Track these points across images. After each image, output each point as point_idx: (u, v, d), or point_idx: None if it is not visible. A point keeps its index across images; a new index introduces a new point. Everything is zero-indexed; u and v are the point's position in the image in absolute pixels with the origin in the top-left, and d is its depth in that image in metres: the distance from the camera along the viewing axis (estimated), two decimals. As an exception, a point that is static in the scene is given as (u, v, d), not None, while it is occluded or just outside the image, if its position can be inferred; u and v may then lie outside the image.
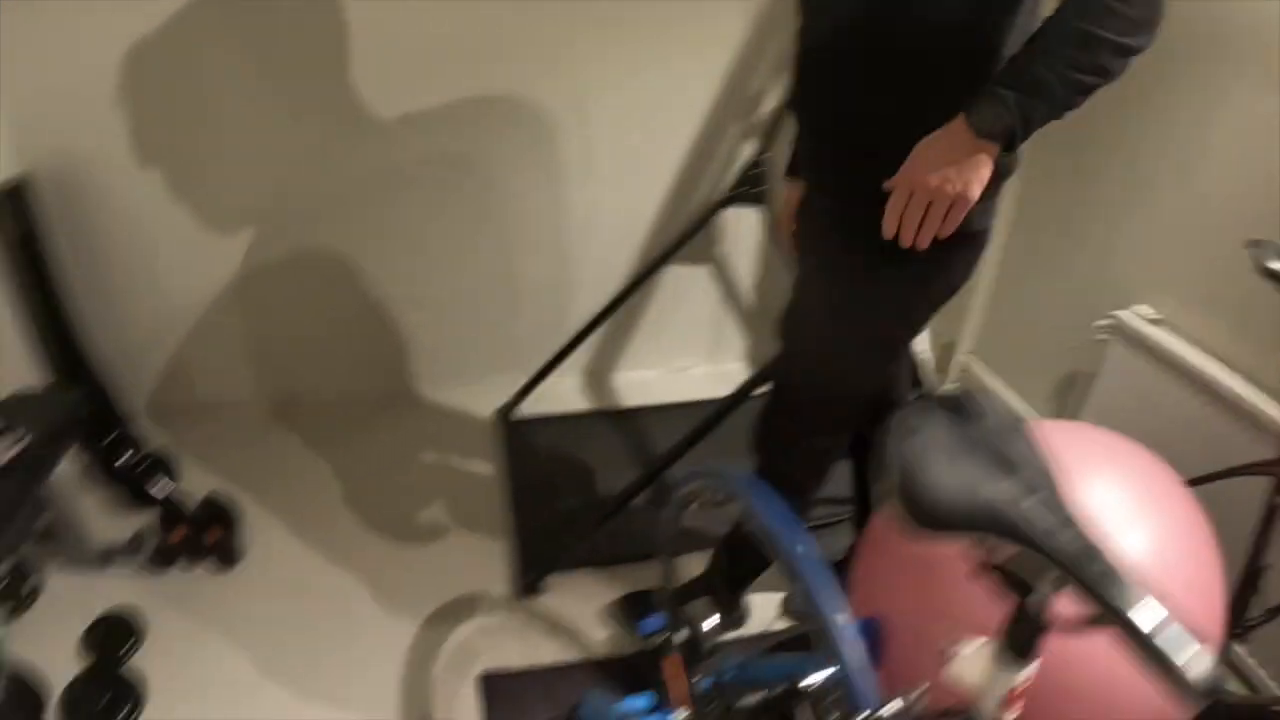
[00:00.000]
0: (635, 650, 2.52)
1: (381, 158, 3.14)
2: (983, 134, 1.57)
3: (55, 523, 2.68)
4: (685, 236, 3.27)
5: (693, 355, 3.84)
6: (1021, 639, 1.12)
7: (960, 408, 1.22)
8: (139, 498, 2.91)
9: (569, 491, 3.04)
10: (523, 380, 3.44)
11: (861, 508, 2.62)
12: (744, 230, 3.53)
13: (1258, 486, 2.04)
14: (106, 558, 2.78)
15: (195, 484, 3.00)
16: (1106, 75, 1.55)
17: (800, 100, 1.96)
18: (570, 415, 3.55)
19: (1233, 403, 2.33)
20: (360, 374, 3.62)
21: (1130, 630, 0.97)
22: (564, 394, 3.63)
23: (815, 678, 1.59)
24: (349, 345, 3.53)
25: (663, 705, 1.90)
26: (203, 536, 2.82)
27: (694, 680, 1.84)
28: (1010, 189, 3.14)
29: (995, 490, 1.09)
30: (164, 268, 3.24)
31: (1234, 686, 2.36)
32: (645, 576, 2.74)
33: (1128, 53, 1.53)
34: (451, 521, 3.00)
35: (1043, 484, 1.10)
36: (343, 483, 3.20)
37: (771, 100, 3.24)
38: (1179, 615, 0.97)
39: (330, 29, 2.85)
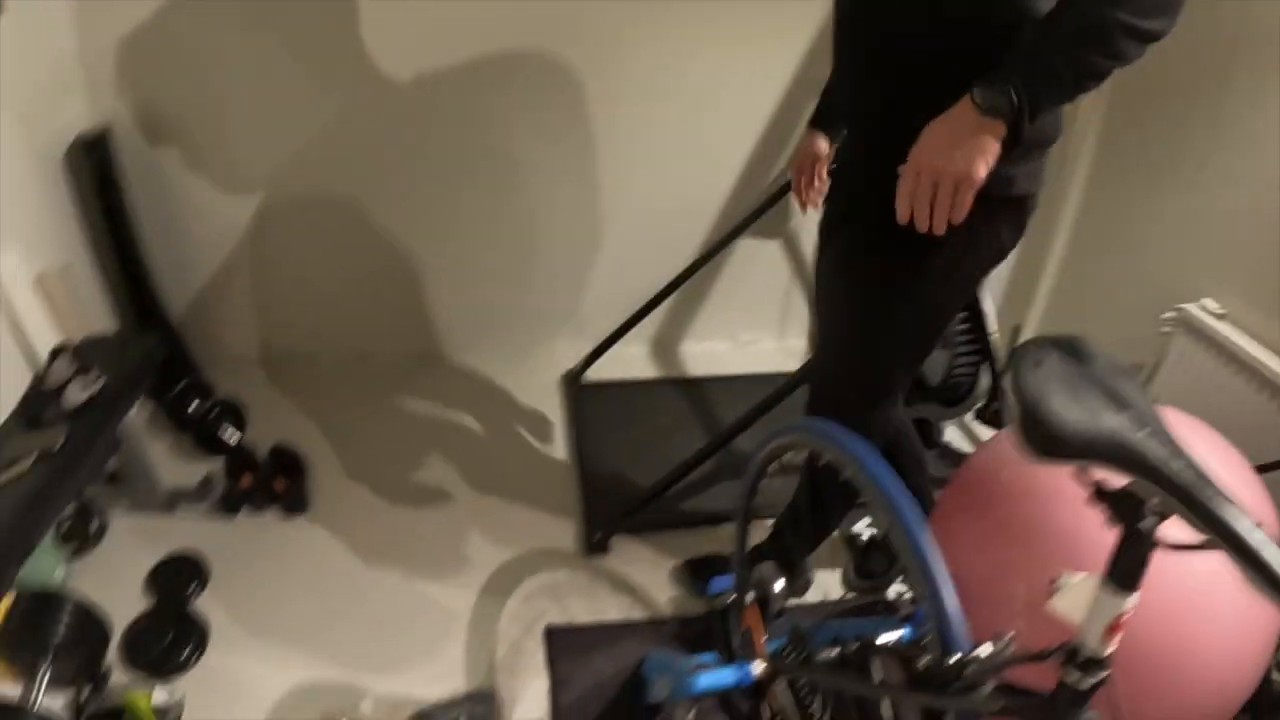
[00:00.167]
0: (704, 610, 2.51)
1: (466, 129, 3.15)
2: (987, 112, 1.51)
3: (125, 465, 2.69)
4: (756, 212, 3.26)
5: (760, 329, 3.83)
6: (1127, 567, 1.14)
7: (1074, 348, 1.24)
8: (207, 444, 2.93)
9: (634, 455, 3.04)
10: (591, 346, 3.45)
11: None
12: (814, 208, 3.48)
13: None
14: (174, 501, 2.80)
15: (261, 435, 3.01)
16: (1120, 58, 1.48)
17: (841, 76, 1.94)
18: (637, 382, 3.55)
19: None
20: (430, 334, 3.63)
21: (1241, 550, 0.98)
22: (631, 361, 3.63)
23: (890, 636, 1.61)
24: (420, 305, 3.54)
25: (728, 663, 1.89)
26: (271, 484, 2.83)
27: (762, 641, 1.85)
28: (1080, 178, 3.13)
29: (1114, 422, 1.11)
30: (234, 223, 3.26)
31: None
32: (709, 541, 2.74)
33: (1145, 37, 1.46)
34: (518, 480, 3.00)
35: (1151, 419, 1.12)
36: (410, 438, 3.21)
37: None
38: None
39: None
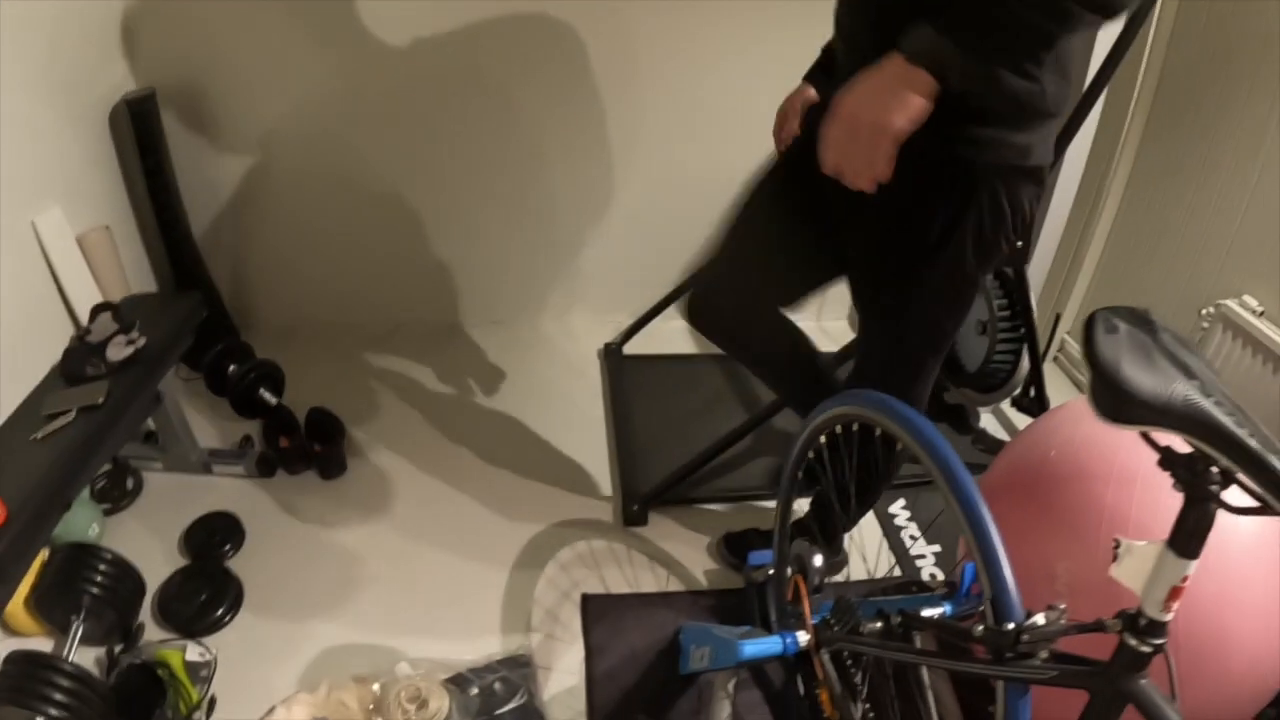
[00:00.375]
0: (739, 584, 2.51)
1: (504, 105, 3.15)
2: (912, 59, 1.44)
3: (162, 424, 2.70)
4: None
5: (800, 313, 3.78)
6: (1191, 532, 1.16)
7: (1142, 319, 1.24)
8: (245, 407, 2.94)
9: (672, 428, 3.04)
10: (630, 320, 3.47)
11: None
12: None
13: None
14: (210, 461, 2.80)
15: (298, 400, 3.01)
16: (1068, 25, 1.39)
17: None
18: (675, 356, 3.55)
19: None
20: (466, 305, 3.65)
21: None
22: (670, 336, 3.60)
23: (932, 610, 1.61)
24: (455, 277, 3.55)
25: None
26: (308, 447, 2.84)
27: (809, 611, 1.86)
28: (1123, 171, 3.11)
29: (1184, 388, 1.12)
30: (273, 191, 3.28)
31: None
32: (745, 516, 2.74)
33: (1099, 9, 1.37)
34: (557, 450, 3.00)
35: (1217, 389, 1.13)
36: (447, 407, 3.22)
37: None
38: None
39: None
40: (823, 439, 1.90)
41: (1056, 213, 2.71)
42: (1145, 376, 1.14)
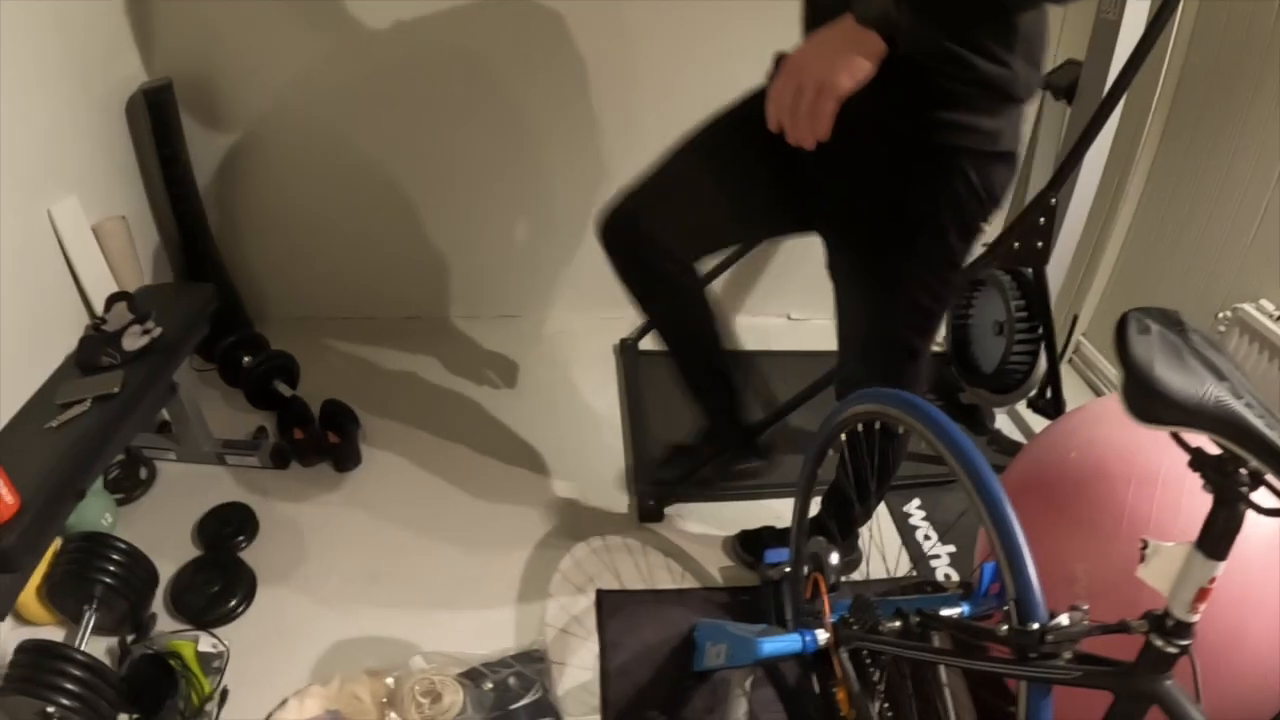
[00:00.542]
0: (754, 581, 2.51)
1: (524, 100, 3.14)
2: (862, 21, 1.46)
3: (176, 415, 2.70)
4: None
5: (812, 308, 3.81)
6: (1220, 533, 1.15)
7: (1173, 320, 1.24)
8: (259, 398, 2.94)
9: (688, 424, 3.03)
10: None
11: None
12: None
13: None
14: (224, 452, 2.80)
15: (312, 392, 3.01)
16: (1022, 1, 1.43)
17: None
18: (691, 353, 3.51)
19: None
20: (481, 298, 3.64)
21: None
22: (685, 332, 3.59)
23: (950, 610, 1.60)
24: (471, 269, 3.54)
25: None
26: (323, 438, 2.83)
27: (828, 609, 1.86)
28: (1140, 172, 3.09)
29: (1216, 389, 1.12)
30: (287, 183, 3.28)
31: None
32: (760, 513, 2.73)
33: None
34: (572, 444, 2.99)
35: (1247, 390, 1.13)
36: (462, 400, 3.21)
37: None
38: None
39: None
40: (843, 436, 1.89)
41: (1075, 214, 2.69)
42: (1177, 377, 1.13)
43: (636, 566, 2.55)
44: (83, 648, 2.05)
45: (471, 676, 2.16)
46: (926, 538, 2.71)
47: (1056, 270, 2.76)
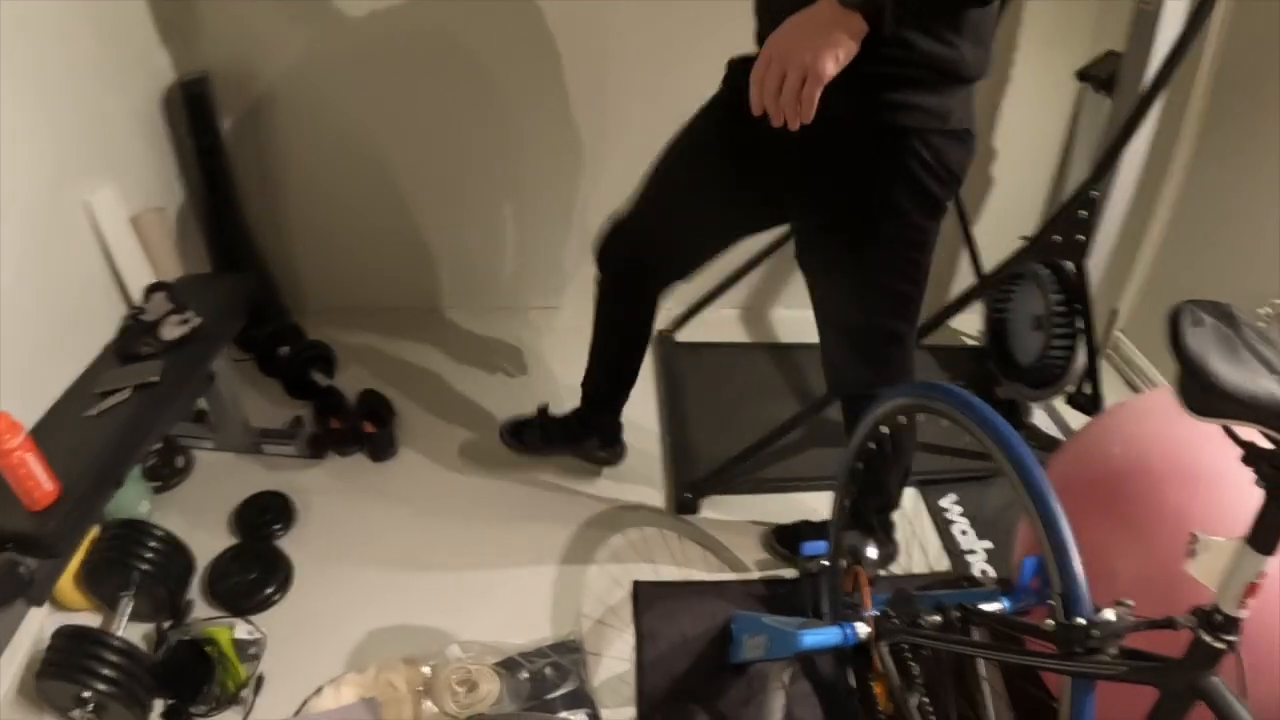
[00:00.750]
0: (791, 574, 2.51)
1: (562, 97, 3.14)
2: (845, 3, 1.46)
3: (214, 404, 2.71)
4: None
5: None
6: (1271, 528, 1.14)
7: (1225, 313, 1.23)
8: (296, 388, 2.96)
9: (724, 416, 3.03)
10: (682, 308, 3.46)
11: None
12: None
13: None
14: (261, 441, 2.81)
15: (347, 382, 3.03)
16: None
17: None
18: (727, 345, 3.54)
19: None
20: (518, 290, 3.64)
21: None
22: (722, 324, 3.61)
23: (990, 606, 1.59)
24: (507, 261, 3.54)
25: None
26: (359, 428, 2.84)
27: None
28: (1180, 164, 3.06)
29: (1270, 384, 1.11)
30: (324, 174, 3.28)
31: None
32: (797, 506, 2.72)
33: None
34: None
35: None
36: (500, 390, 3.21)
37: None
38: None
39: None
40: (884, 429, 1.87)
41: (1115, 207, 2.67)
42: (1232, 371, 1.13)
43: (673, 558, 2.55)
44: (119, 634, 2.06)
45: (508, 666, 2.16)
46: (964, 533, 2.69)
47: (1096, 264, 2.74)
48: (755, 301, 3.76)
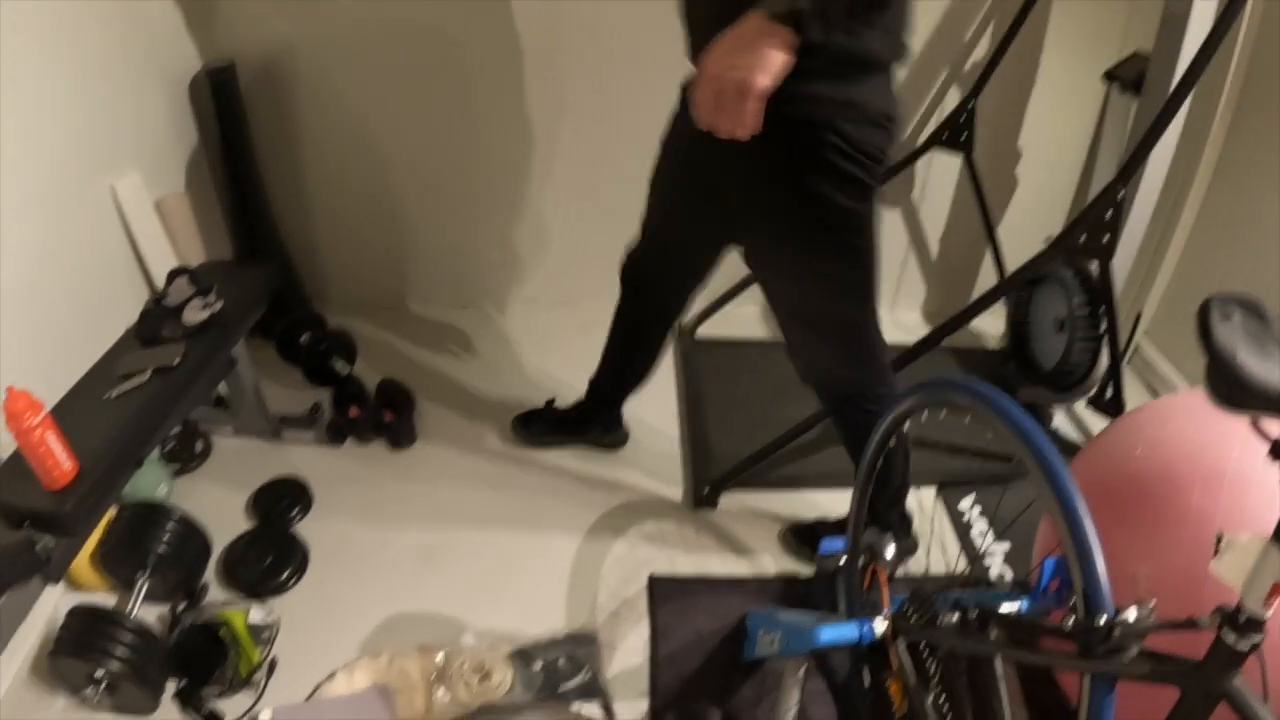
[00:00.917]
0: (807, 572, 2.50)
1: (592, 92, 3.13)
2: (772, 17, 1.48)
3: (234, 389, 2.71)
4: (882, 178, 3.20)
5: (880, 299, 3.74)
6: None
7: (1254, 308, 1.23)
8: (316, 375, 2.97)
9: (743, 413, 3.03)
10: (704, 304, 3.48)
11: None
12: (940, 177, 3.45)
13: None
14: (280, 427, 2.82)
15: (366, 371, 3.04)
16: None
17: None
18: (748, 341, 3.52)
19: None
20: (537, 282, 3.63)
21: None
22: (743, 320, 3.60)
23: (1009, 606, 1.58)
24: (527, 253, 3.53)
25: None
26: (379, 416, 2.85)
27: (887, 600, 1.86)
28: (1206, 167, 3.04)
29: None
30: (347, 165, 3.28)
31: None
32: (817, 504, 2.72)
33: None
34: (629, 429, 2.96)
35: None
36: (519, 382, 3.21)
37: (983, 47, 3.15)
38: None
39: None
40: (906, 426, 1.86)
41: (1142, 208, 2.64)
42: (1260, 364, 1.12)
43: (689, 553, 2.54)
44: (134, 615, 2.07)
45: (521, 656, 2.16)
46: (982, 535, 2.68)
47: (1121, 266, 2.71)
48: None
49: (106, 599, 2.25)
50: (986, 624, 1.61)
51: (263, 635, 2.19)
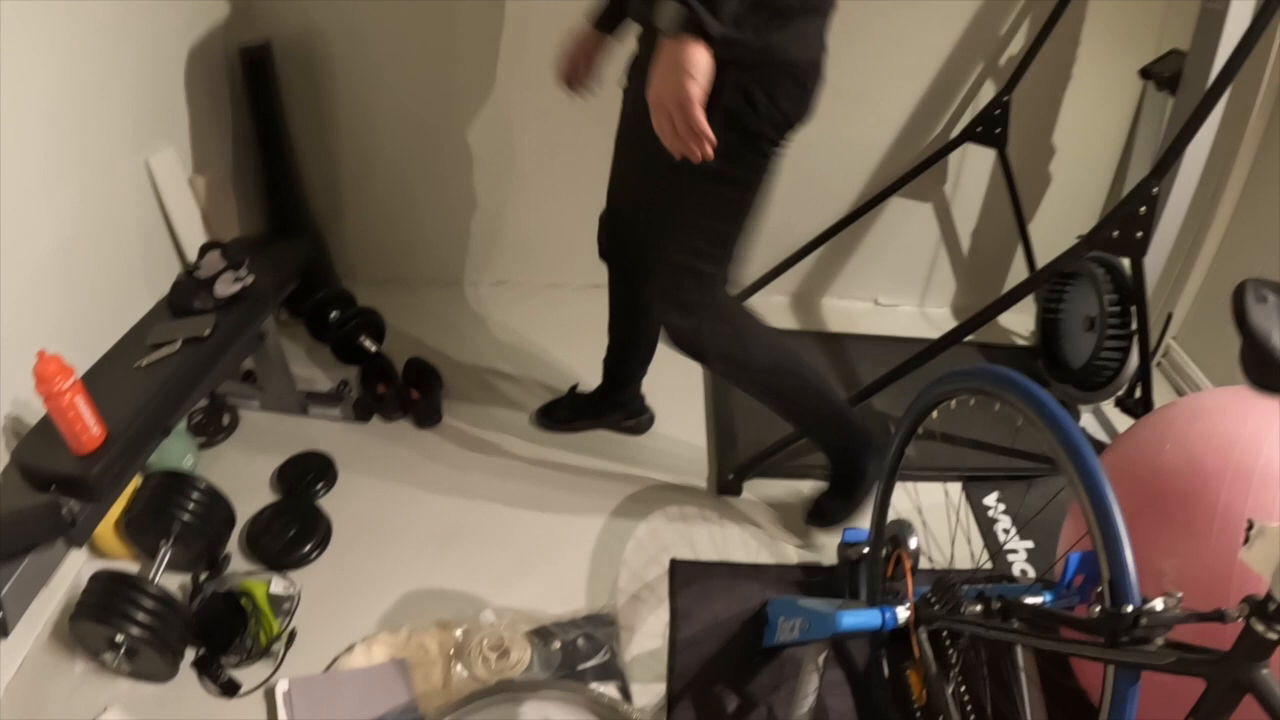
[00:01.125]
0: (829, 560, 2.48)
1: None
2: (667, 32, 1.60)
3: (262, 364, 2.73)
4: (914, 171, 3.22)
5: (900, 294, 3.76)
6: None
7: None
8: (344, 353, 2.97)
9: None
10: (731, 291, 3.41)
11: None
12: (973, 171, 3.43)
13: None
14: (307, 403, 2.83)
15: (394, 349, 3.04)
16: None
17: None
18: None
19: None
20: (565, 266, 3.62)
21: None
22: (771, 310, 3.60)
23: (1033, 599, 1.57)
24: (556, 238, 3.52)
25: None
26: (405, 394, 2.86)
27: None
28: (1242, 164, 3.00)
29: None
30: (380, 146, 3.30)
31: None
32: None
33: None
34: (654, 414, 2.96)
35: None
36: (546, 364, 3.21)
37: (1019, 42, 3.13)
38: None
39: None
40: (935, 414, 1.86)
41: (1176, 205, 2.62)
42: (1295, 346, 1.10)
43: (711, 539, 2.53)
44: (156, 580, 2.08)
45: (540, 635, 2.17)
46: (1006, 531, 2.66)
47: (1153, 264, 2.70)
48: (806, 289, 3.74)
49: (130, 568, 2.26)
50: (1009, 615, 1.61)
51: (283, 606, 2.20)
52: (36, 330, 2.03)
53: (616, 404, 2.86)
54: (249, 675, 2.07)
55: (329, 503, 2.52)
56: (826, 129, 3.16)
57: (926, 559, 2.39)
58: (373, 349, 2.95)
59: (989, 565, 2.56)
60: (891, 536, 2.05)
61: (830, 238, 3.27)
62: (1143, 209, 2.34)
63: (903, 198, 3.38)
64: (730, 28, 1.64)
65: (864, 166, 3.41)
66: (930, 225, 3.58)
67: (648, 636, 2.24)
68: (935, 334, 2.51)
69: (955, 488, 2.79)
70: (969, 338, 2.50)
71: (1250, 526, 1.18)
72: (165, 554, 2.17)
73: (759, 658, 2.19)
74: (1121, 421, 3.01)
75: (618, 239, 2.46)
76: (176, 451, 2.48)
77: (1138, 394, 2.80)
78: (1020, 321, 3.59)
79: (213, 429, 2.71)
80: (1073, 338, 3.06)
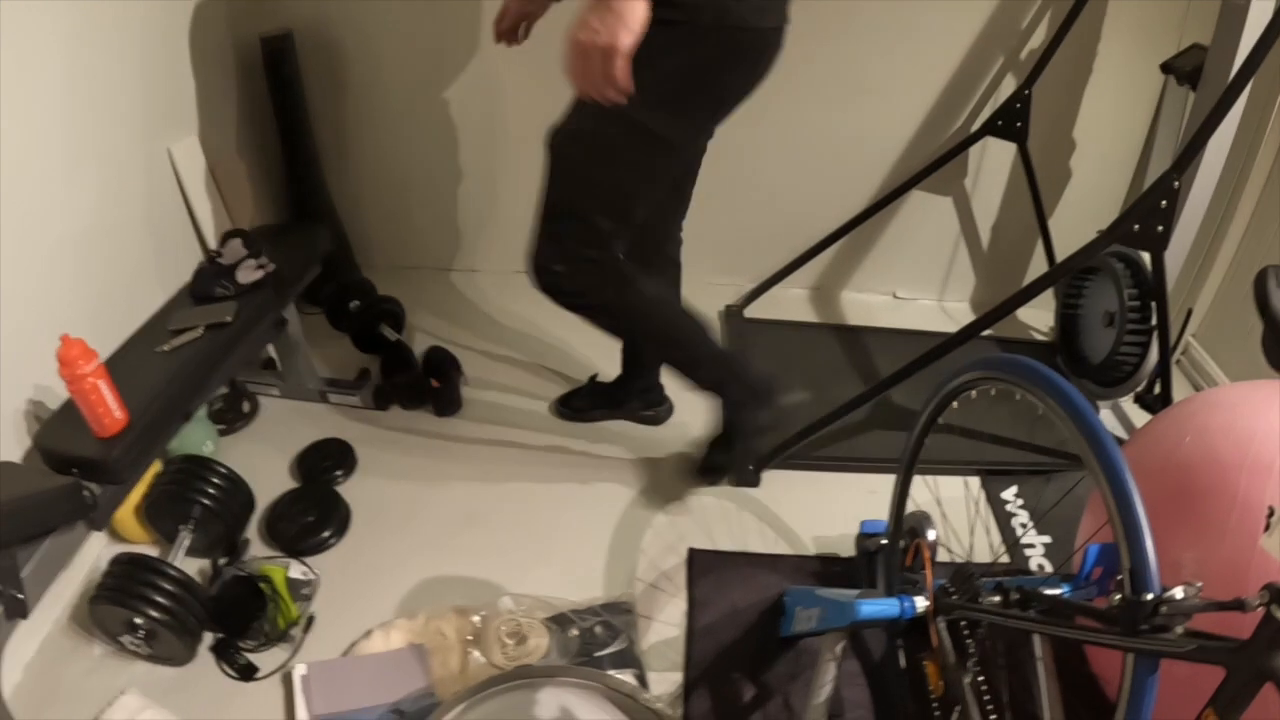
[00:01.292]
0: (846, 551, 2.47)
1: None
2: None
3: (282, 351, 2.74)
4: (934, 165, 3.22)
5: (919, 288, 3.76)
6: None
7: None
8: (364, 341, 2.98)
9: (788, 394, 3.01)
10: (751, 283, 3.49)
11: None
12: (993, 166, 3.42)
13: None
14: (327, 391, 2.84)
15: (414, 338, 3.08)
16: None
17: None
18: (796, 323, 3.52)
19: None
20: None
21: None
22: (790, 302, 3.61)
23: (1051, 591, 1.57)
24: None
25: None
26: (425, 383, 2.86)
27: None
28: (1264, 158, 2.99)
29: None
30: (400, 136, 3.31)
31: None
32: (860, 485, 2.72)
33: None
34: (673, 404, 2.96)
35: None
36: (565, 353, 3.21)
37: (1040, 36, 3.13)
38: None
39: None
40: (955, 404, 1.85)
41: (1197, 199, 2.61)
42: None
43: (729, 529, 2.53)
44: (175, 563, 2.09)
45: (558, 621, 2.17)
46: (1023, 526, 2.66)
47: (1174, 259, 2.69)
48: (825, 282, 3.74)
49: (149, 552, 2.27)
50: (1028, 605, 1.61)
51: (302, 591, 2.21)
52: (59, 316, 2.05)
53: (635, 394, 2.86)
54: (267, 659, 2.08)
55: (348, 489, 2.53)
56: (847, 122, 3.18)
57: (945, 551, 2.39)
58: (393, 338, 2.96)
59: (1006, 559, 2.55)
60: (910, 528, 2.05)
61: (850, 231, 3.27)
62: (1164, 202, 2.34)
63: (922, 191, 3.38)
64: None
65: (884, 160, 3.41)
66: (950, 219, 3.57)
67: (665, 625, 2.24)
68: (954, 328, 2.52)
69: (974, 481, 2.78)
70: (987, 332, 2.50)
71: (1271, 514, 1.18)
72: (185, 538, 2.18)
73: (776, 647, 2.19)
74: (1140, 418, 3.00)
75: None
76: (196, 438, 2.50)
77: (1157, 390, 2.79)
78: (1039, 317, 3.58)
79: (233, 416, 2.72)
80: (1092, 333, 3.05)
